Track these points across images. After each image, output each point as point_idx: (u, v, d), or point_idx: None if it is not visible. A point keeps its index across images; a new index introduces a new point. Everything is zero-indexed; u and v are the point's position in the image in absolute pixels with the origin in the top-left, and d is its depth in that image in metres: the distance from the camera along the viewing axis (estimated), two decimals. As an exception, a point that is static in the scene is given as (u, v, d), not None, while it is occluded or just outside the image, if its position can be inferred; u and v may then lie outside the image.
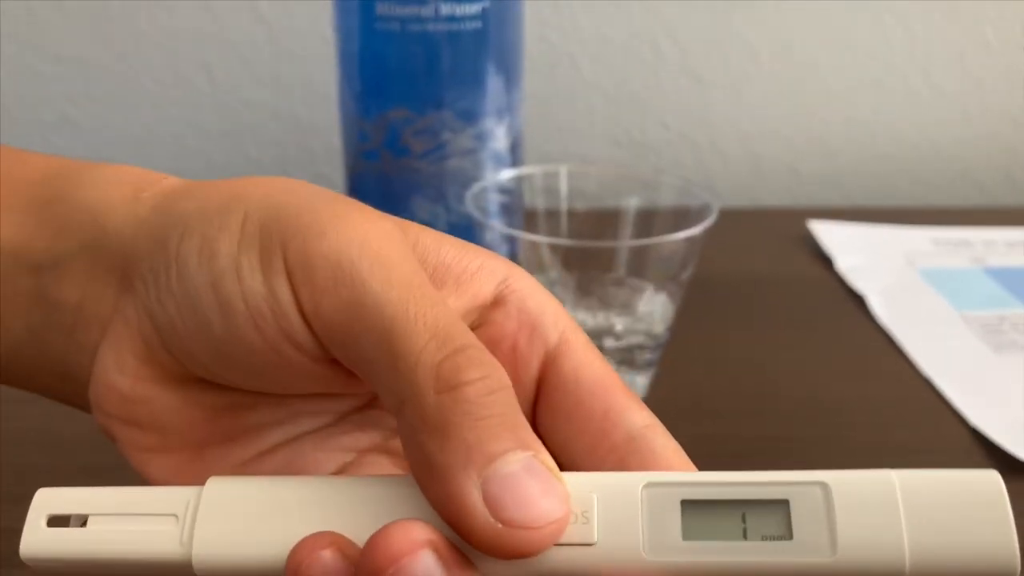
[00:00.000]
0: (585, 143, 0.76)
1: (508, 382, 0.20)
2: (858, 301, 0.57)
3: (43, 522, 0.21)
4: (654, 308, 0.45)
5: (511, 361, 0.23)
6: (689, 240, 0.42)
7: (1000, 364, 0.50)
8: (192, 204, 0.23)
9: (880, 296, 0.57)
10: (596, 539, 0.19)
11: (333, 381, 0.22)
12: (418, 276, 0.21)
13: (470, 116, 0.49)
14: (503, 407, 0.19)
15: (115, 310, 0.23)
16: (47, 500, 0.21)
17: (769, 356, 0.52)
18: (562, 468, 0.21)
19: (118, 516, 0.21)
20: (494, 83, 0.49)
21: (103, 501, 0.21)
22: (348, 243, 0.21)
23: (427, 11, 0.47)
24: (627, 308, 0.45)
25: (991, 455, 0.43)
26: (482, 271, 0.24)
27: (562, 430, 0.22)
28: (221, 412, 0.24)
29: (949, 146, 0.77)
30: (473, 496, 0.18)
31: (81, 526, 0.21)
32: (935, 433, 0.45)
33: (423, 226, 0.24)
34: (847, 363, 0.51)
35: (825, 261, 0.62)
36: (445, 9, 0.47)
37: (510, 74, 0.51)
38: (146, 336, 0.22)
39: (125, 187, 0.24)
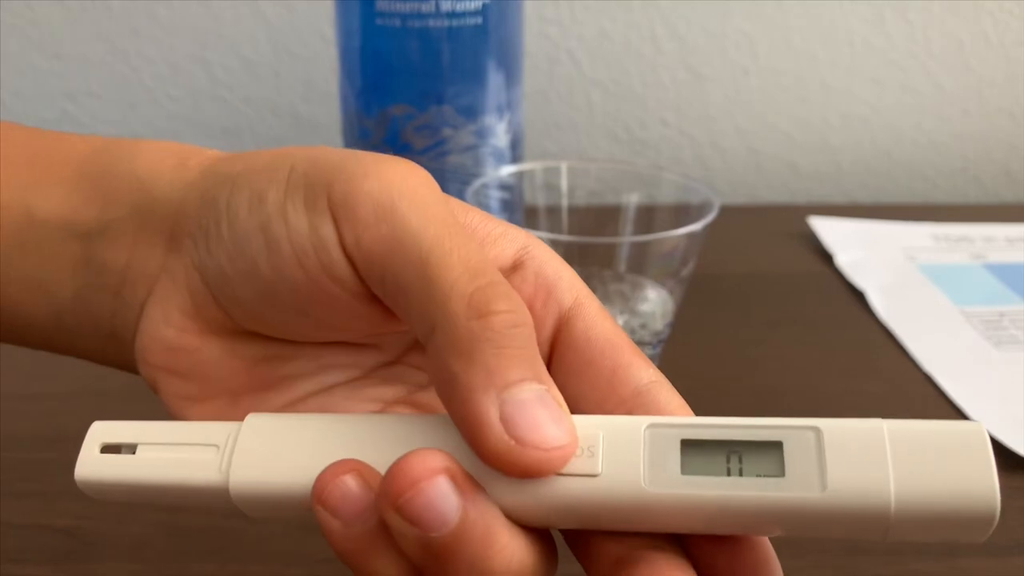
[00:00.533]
0: (584, 139, 0.76)
1: (531, 320, 0.21)
2: (858, 297, 0.57)
3: (97, 449, 0.23)
4: (655, 304, 0.45)
5: None
6: (690, 236, 0.42)
7: (1000, 360, 0.50)
8: (239, 166, 0.24)
9: (880, 292, 0.57)
10: (600, 471, 0.21)
11: (370, 320, 0.24)
12: (452, 217, 0.23)
13: (471, 112, 0.49)
14: (524, 341, 0.21)
15: (162, 268, 0.25)
16: (102, 430, 0.23)
17: (769, 352, 0.52)
18: None
19: (165, 445, 0.22)
20: (495, 79, 0.50)
21: (152, 432, 0.23)
22: (389, 183, 0.22)
23: (428, 7, 0.47)
24: (628, 304, 0.45)
25: (993, 451, 0.43)
26: (504, 237, 0.25)
27: (574, 386, 0.24)
28: (259, 362, 0.25)
29: (948, 142, 0.77)
30: (491, 413, 0.20)
31: (131, 454, 0.22)
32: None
33: (455, 198, 0.26)
34: (847, 359, 0.51)
35: (825, 257, 0.62)
36: (446, 5, 0.47)
37: (510, 70, 0.51)
38: (193, 290, 0.24)
39: (171, 157, 0.26)
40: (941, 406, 0.47)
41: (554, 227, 0.49)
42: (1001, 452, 0.43)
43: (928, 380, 0.49)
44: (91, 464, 0.23)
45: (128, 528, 0.37)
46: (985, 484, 0.20)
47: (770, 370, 0.50)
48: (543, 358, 0.24)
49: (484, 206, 0.47)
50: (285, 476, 0.22)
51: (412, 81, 0.49)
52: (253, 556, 0.36)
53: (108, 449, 0.23)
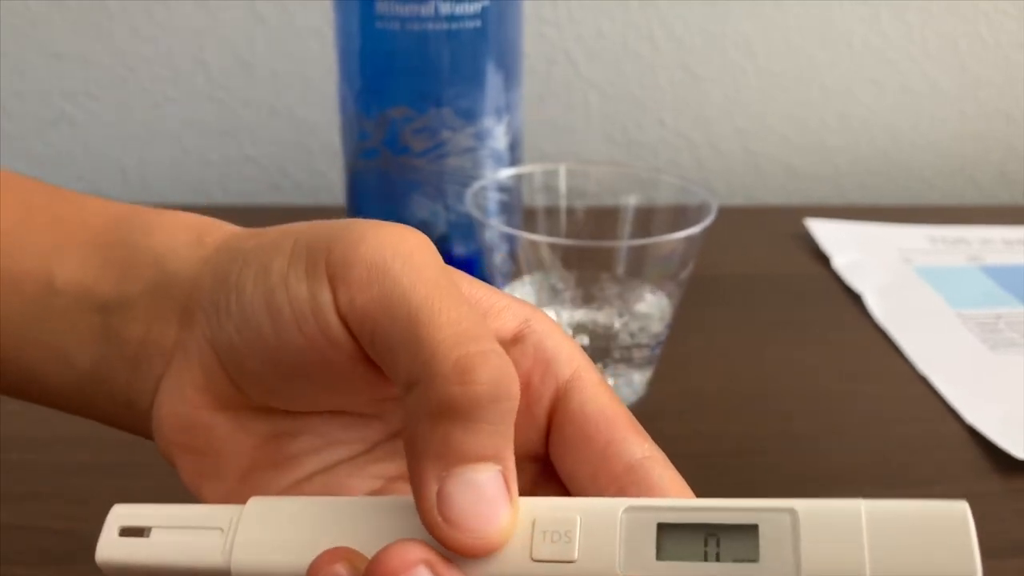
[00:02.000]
0: (581, 140, 0.76)
1: (515, 395, 0.21)
2: (855, 299, 0.57)
3: (116, 532, 0.24)
4: (653, 307, 0.45)
5: (525, 395, 0.24)
6: (688, 239, 0.43)
7: (996, 362, 0.50)
8: (251, 243, 0.25)
9: (876, 294, 0.57)
10: (576, 557, 0.21)
11: (370, 383, 0.24)
12: (445, 279, 0.23)
13: (469, 115, 0.49)
14: (499, 417, 0.21)
15: (176, 344, 0.25)
16: (121, 514, 0.24)
17: (766, 354, 0.52)
18: (570, 495, 0.23)
19: (175, 529, 0.24)
20: (493, 82, 0.50)
21: (164, 515, 0.24)
22: (383, 247, 0.23)
23: (427, 10, 0.47)
24: (626, 307, 0.45)
25: (987, 453, 0.43)
26: (507, 310, 0.25)
27: (569, 460, 0.24)
28: (268, 440, 0.26)
29: (945, 143, 0.78)
30: (430, 486, 0.20)
31: (146, 537, 0.24)
32: (931, 430, 0.45)
33: (460, 271, 0.26)
34: (844, 360, 0.51)
35: (822, 259, 0.63)
36: (445, 8, 0.47)
37: (509, 73, 0.51)
38: (205, 365, 0.24)
39: (188, 233, 0.26)
40: (937, 408, 0.47)
41: (553, 229, 0.49)
42: (997, 454, 0.43)
43: (924, 382, 0.49)
44: (110, 547, 0.24)
45: (127, 530, 0.38)
46: (966, 569, 0.19)
47: (767, 372, 0.50)
48: (541, 431, 0.25)
49: (483, 208, 0.47)
50: (283, 560, 0.22)
51: (411, 83, 0.49)
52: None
53: (126, 532, 0.24)
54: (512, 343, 0.25)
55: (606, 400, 0.24)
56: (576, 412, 0.24)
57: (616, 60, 0.74)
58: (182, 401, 0.25)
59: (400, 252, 0.23)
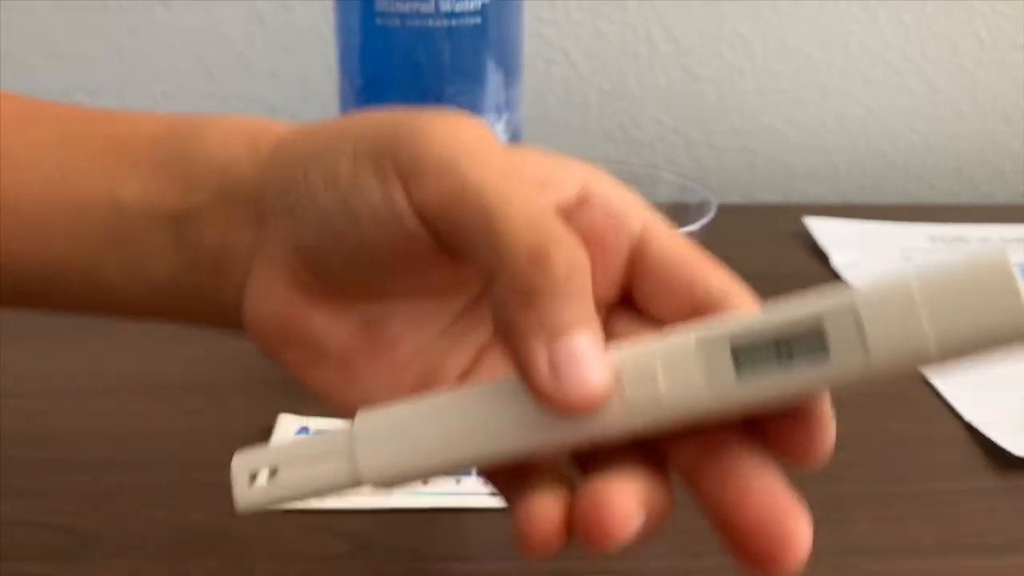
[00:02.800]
0: (579, 138, 0.76)
1: (587, 263, 0.23)
2: (854, 297, 0.57)
3: (246, 482, 0.25)
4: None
5: (601, 252, 0.26)
6: (688, 237, 0.43)
7: (995, 360, 0.50)
8: (307, 144, 0.26)
9: (875, 292, 0.57)
10: (663, 395, 0.23)
11: (448, 266, 0.25)
12: (512, 167, 0.24)
13: (470, 112, 0.49)
14: (578, 287, 0.23)
15: (255, 248, 0.26)
16: (244, 462, 0.25)
17: (765, 352, 0.52)
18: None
19: (298, 462, 0.25)
20: (494, 79, 0.50)
21: (284, 454, 0.25)
22: (448, 141, 0.24)
23: (427, 7, 0.47)
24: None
25: (986, 451, 0.43)
26: (566, 173, 0.27)
27: (654, 305, 0.26)
28: (361, 328, 0.27)
29: (942, 143, 0.78)
30: (541, 359, 0.22)
31: (273, 477, 0.25)
32: (930, 428, 0.45)
33: (517, 145, 0.27)
34: (843, 359, 0.51)
35: (821, 257, 0.63)
36: (445, 5, 0.47)
37: (509, 70, 0.51)
38: (290, 265, 0.26)
39: (242, 137, 0.27)
40: (935, 405, 0.47)
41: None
42: (996, 452, 0.43)
43: (922, 380, 0.49)
44: (246, 496, 0.25)
45: (127, 525, 0.38)
46: (1015, 303, 0.20)
47: (766, 370, 0.50)
48: (620, 284, 0.27)
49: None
50: (409, 461, 0.24)
51: (411, 80, 0.49)
52: (253, 554, 0.36)
53: (256, 478, 0.25)
54: (578, 206, 0.26)
55: (681, 245, 0.26)
56: (655, 260, 0.26)
57: (614, 59, 0.74)
58: (276, 300, 0.26)
59: (466, 145, 0.24)
